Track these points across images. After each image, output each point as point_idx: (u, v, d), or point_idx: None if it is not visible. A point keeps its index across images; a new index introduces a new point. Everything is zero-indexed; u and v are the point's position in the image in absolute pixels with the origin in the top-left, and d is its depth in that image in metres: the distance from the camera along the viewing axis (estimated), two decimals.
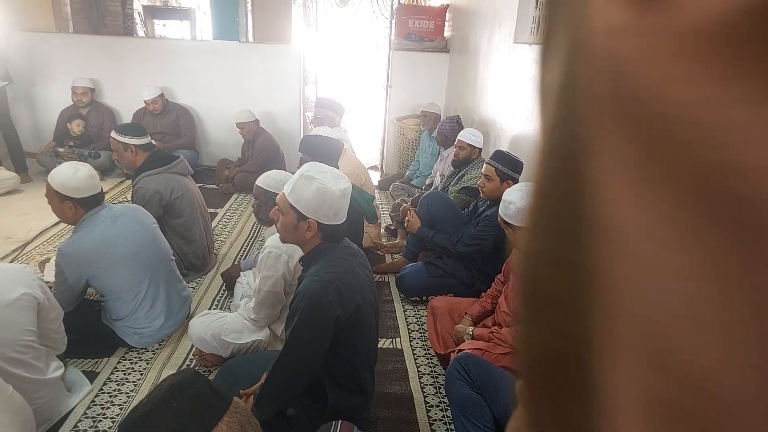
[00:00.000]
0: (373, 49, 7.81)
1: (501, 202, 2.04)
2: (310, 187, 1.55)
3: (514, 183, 2.57)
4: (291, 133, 5.50)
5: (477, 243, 2.65)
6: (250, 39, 5.58)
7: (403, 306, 2.87)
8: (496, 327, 2.06)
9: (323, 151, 3.02)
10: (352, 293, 1.57)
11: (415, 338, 2.62)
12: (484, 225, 2.63)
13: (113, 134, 2.89)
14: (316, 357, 1.55)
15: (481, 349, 1.92)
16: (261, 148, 4.88)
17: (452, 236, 2.72)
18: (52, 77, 5.28)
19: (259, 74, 5.31)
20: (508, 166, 2.57)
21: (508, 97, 3.39)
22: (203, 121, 5.52)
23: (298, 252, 1.99)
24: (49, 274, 2.82)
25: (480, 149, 3.52)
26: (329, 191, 1.55)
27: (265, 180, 2.47)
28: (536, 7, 2.97)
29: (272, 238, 2.13)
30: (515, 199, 1.95)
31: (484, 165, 2.63)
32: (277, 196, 1.66)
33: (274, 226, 2.24)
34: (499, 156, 2.60)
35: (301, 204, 1.56)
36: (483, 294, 2.39)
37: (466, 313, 2.33)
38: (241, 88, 5.35)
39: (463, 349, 1.95)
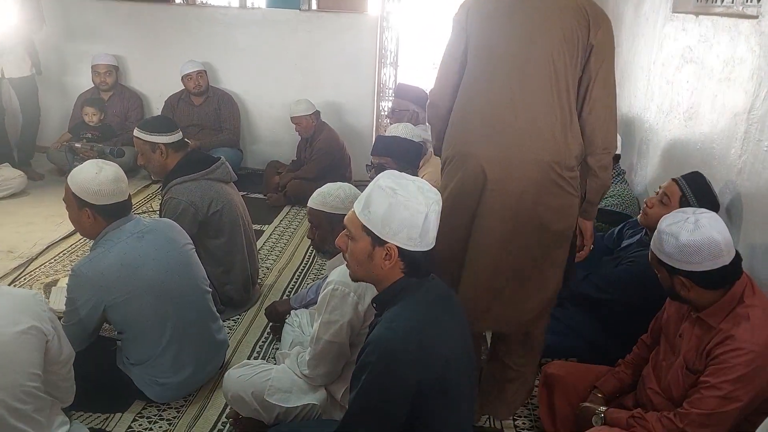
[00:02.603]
0: None
1: (656, 232, 1.95)
2: (388, 202, 1.57)
3: None
4: (360, 130, 5.63)
5: (613, 291, 2.56)
6: (314, 6, 5.80)
7: None
8: (638, 409, 1.98)
9: (401, 155, 3.08)
10: (440, 350, 1.55)
11: (520, 416, 2.55)
12: (631, 267, 2.53)
13: (137, 132, 3.07)
14: None
15: None
16: (322, 149, 5.03)
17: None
18: (77, 54, 5.75)
19: (324, 52, 5.50)
20: (698, 194, 2.47)
21: (662, 87, 3.28)
22: (250, 112, 5.79)
23: (371, 291, 2.01)
24: (56, 300, 3.04)
25: (618, 156, 3.42)
26: (413, 206, 1.57)
27: (324, 200, 2.51)
28: None
29: (338, 272, 2.14)
30: (678, 232, 1.85)
31: (669, 181, 2.53)
32: (345, 217, 1.69)
33: (339, 255, 2.29)
34: (695, 179, 2.51)
35: (378, 224, 1.59)
36: (620, 361, 2.30)
37: (595, 387, 2.25)
38: (300, 70, 5.57)
39: None
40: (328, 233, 2.51)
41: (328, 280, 2.17)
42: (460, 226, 2.18)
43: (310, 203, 2.57)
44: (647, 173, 3.47)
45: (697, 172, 2.55)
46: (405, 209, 1.57)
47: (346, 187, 2.56)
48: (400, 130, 3.63)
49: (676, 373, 1.96)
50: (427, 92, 5.23)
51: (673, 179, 2.52)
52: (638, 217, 2.67)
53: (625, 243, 2.75)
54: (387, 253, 1.60)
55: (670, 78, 3.18)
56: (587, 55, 2.07)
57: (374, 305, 1.74)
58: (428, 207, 1.59)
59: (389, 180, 1.62)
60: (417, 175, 3.01)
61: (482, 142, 2.11)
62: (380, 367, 1.52)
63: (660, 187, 2.55)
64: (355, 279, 1.74)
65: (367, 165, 3.14)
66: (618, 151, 3.40)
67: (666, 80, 3.24)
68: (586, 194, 2.21)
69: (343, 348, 2.15)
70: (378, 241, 1.60)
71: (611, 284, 2.60)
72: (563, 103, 2.08)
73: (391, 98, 5.60)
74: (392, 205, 1.57)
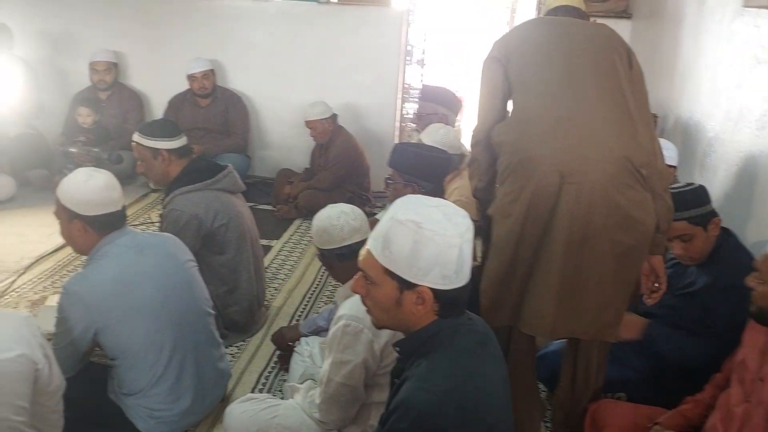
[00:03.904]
0: (509, 15, 7.82)
1: None
2: (413, 239, 1.47)
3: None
4: (381, 135, 5.62)
5: (684, 356, 2.51)
6: None
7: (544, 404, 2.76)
8: None
9: (423, 168, 2.93)
10: (483, 412, 1.47)
11: None
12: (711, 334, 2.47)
13: (137, 137, 3.08)
14: None
15: None
16: (338, 156, 5.04)
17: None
18: (69, 49, 5.82)
19: (343, 50, 5.51)
20: (698, 208, 2.49)
21: (730, 91, 3.22)
22: (260, 114, 5.82)
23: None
24: (44, 320, 3.03)
25: (674, 168, 3.36)
26: (444, 240, 1.47)
27: (329, 236, 2.41)
28: None
29: (349, 304, 2.11)
30: None
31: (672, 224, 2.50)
32: (360, 259, 1.58)
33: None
34: (684, 202, 2.48)
35: (403, 266, 1.48)
36: (689, 399, 2.26)
37: (656, 423, 2.19)
38: (317, 69, 5.58)
39: None
40: (342, 271, 2.48)
41: (338, 313, 2.14)
42: (533, 232, 2.19)
43: (315, 241, 2.50)
44: (711, 190, 3.40)
45: (682, 192, 2.51)
46: (434, 245, 1.47)
47: (346, 210, 2.47)
48: (439, 137, 3.53)
49: (757, 425, 1.88)
50: (456, 93, 5.24)
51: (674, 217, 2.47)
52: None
53: (689, 283, 2.68)
54: (419, 297, 1.51)
55: (740, 81, 3.12)
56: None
57: (397, 350, 1.65)
58: (461, 237, 1.50)
59: (409, 211, 1.51)
60: (443, 191, 2.96)
61: (550, 144, 2.18)
62: None
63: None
64: (379, 326, 1.65)
65: (386, 178, 3.04)
66: (673, 163, 3.34)
67: (735, 83, 3.18)
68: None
69: (357, 392, 2.12)
70: (406, 285, 1.51)
71: (683, 349, 2.53)
72: (629, 109, 2.26)
73: (416, 100, 5.58)
74: (418, 242, 1.47)
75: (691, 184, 2.61)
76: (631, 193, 2.18)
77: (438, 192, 2.91)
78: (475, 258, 2.42)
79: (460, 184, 3.42)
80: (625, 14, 5.35)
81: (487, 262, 2.31)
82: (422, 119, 4.57)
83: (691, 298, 2.56)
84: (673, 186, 2.56)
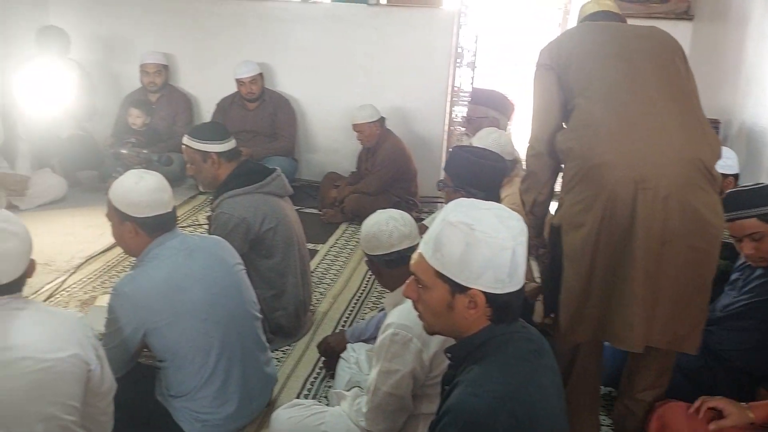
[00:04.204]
0: (561, 16, 7.72)
1: None
2: (465, 241, 1.47)
3: None
4: (429, 139, 5.62)
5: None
6: (383, 1, 5.86)
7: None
8: None
9: (473, 175, 2.89)
10: (536, 421, 1.45)
11: None
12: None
13: (186, 140, 3.15)
14: None
15: None
16: (385, 160, 5.06)
17: None
18: (121, 52, 5.98)
19: (392, 52, 5.54)
20: None
21: None
22: (307, 117, 5.88)
23: (438, 336, 1.95)
24: (94, 320, 3.12)
25: (735, 176, 3.28)
26: (496, 243, 1.46)
27: (378, 242, 2.43)
28: None
29: (398, 312, 2.11)
30: None
31: (740, 222, 2.44)
32: (411, 262, 1.59)
33: (400, 289, 2.24)
34: (754, 199, 2.43)
35: (455, 268, 1.48)
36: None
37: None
38: (365, 71, 5.63)
39: None
40: (390, 278, 2.47)
41: (387, 321, 2.13)
42: (610, 241, 2.20)
43: (363, 247, 2.51)
44: None
45: (750, 191, 2.48)
46: (486, 247, 1.47)
47: (395, 216, 2.48)
48: (490, 141, 3.49)
49: None
50: (507, 96, 5.22)
51: (741, 216, 2.42)
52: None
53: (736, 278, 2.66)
54: (471, 301, 1.51)
55: None
56: None
57: (448, 356, 1.65)
58: (514, 240, 1.49)
59: (460, 213, 1.51)
60: (499, 200, 2.92)
61: (622, 150, 2.18)
62: None
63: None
64: (431, 332, 1.65)
65: (439, 181, 3.03)
66: (734, 172, 3.27)
67: None
68: None
69: (405, 402, 2.11)
70: (458, 288, 1.51)
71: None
72: (695, 110, 2.29)
73: (465, 103, 5.57)
74: (470, 245, 1.47)
75: (761, 183, 2.57)
76: (703, 195, 2.18)
77: (491, 201, 2.87)
78: (532, 278, 2.41)
79: (512, 191, 3.37)
80: (686, 16, 5.25)
81: (563, 275, 2.29)
82: (472, 122, 4.58)
83: (761, 301, 2.53)
84: (742, 185, 2.54)
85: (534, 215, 2.51)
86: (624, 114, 2.23)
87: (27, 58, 5.35)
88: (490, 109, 4.50)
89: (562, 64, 2.38)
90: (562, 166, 2.40)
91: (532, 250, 2.49)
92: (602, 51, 2.37)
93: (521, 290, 1.55)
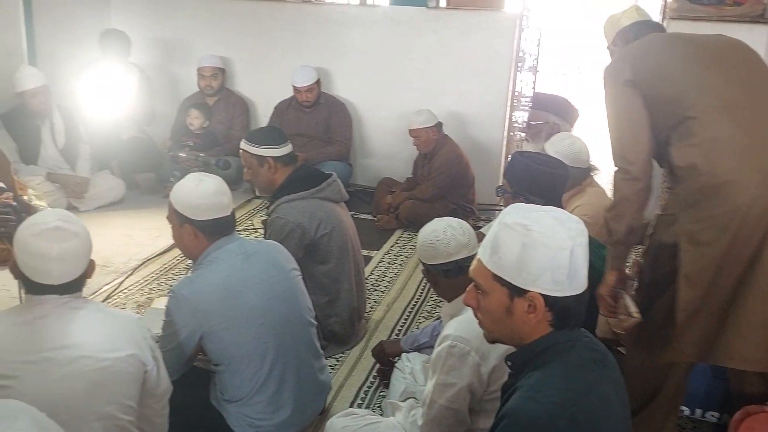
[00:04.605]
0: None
1: None
2: (522, 242, 1.48)
3: None
4: (488, 145, 5.61)
5: None
6: (443, 3, 5.88)
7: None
8: None
9: (531, 182, 2.75)
10: (597, 429, 1.44)
11: None
12: None
13: (244, 144, 3.22)
14: None
15: None
16: (442, 166, 5.07)
17: None
18: (180, 56, 6.16)
19: (451, 55, 5.54)
20: None
21: None
22: (363, 121, 5.93)
23: (496, 350, 1.96)
24: (150, 322, 3.21)
25: None
26: (554, 243, 1.47)
27: (435, 251, 2.43)
28: None
29: (456, 323, 2.11)
30: None
31: None
32: (471, 268, 1.61)
33: (458, 299, 2.25)
34: None
35: (512, 270, 1.49)
36: None
37: None
38: (422, 75, 5.64)
39: None
40: (447, 288, 2.47)
41: (444, 332, 2.14)
42: (738, 260, 2.18)
43: (420, 256, 2.51)
44: None
45: None
46: (544, 248, 1.48)
47: (453, 224, 2.48)
48: (563, 147, 3.34)
49: None
50: (570, 102, 5.15)
51: None
52: None
53: None
54: (530, 304, 1.51)
55: None
56: None
57: (508, 363, 1.65)
58: (573, 240, 1.49)
59: (517, 215, 1.53)
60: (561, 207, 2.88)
61: (752, 166, 2.16)
62: None
63: None
64: (491, 339, 1.65)
65: (498, 187, 3.02)
66: None
67: None
68: None
69: (462, 416, 2.11)
70: (516, 291, 1.52)
71: None
72: None
73: (526, 108, 5.54)
74: (527, 246, 1.49)
75: None
76: None
77: None
78: (629, 314, 2.38)
79: (584, 201, 3.29)
80: (762, 19, 5.09)
81: (678, 294, 2.25)
82: (531, 128, 4.54)
83: None
84: None
85: (625, 244, 2.40)
86: (746, 128, 2.20)
87: (90, 61, 5.56)
88: (550, 114, 4.46)
89: (648, 80, 2.33)
90: (662, 182, 2.38)
91: (624, 286, 2.46)
92: (699, 63, 2.34)
93: (583, 295, 1.55)
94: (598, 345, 1.62)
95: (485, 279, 1.56)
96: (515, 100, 5.68)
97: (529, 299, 1.51)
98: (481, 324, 1.64)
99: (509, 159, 3.12)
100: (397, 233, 5.09)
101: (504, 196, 2.90)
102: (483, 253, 1.57)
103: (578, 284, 1.52)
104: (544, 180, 2.71)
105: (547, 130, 4.39)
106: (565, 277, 1.50)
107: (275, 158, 3.17)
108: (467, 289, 1.63)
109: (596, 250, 2.53)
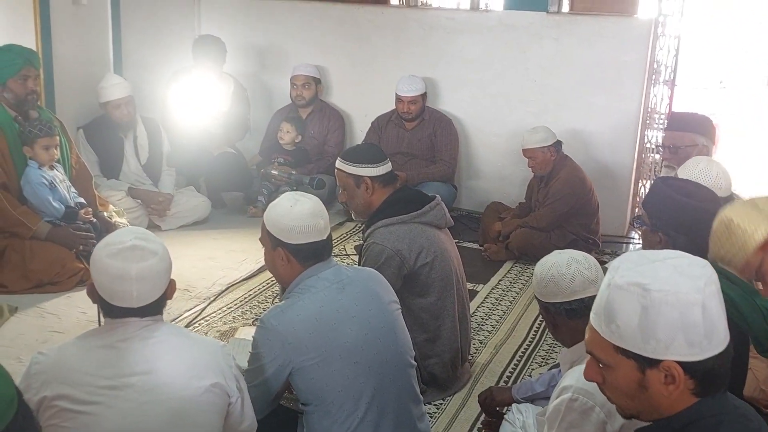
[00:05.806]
0: None
1: None
2: (640, 305, 1.41)
3: None
4: (615, 169, 5.48)
5: None
6: (565, 9, 5.81)
7: None
8: None
9: (671, 215, 2.62)
10: None
11: None
12: None
13: (339, 163, 3.25)
14: None
15: None
16: (560, 191, 4.97)
17: None
18: (274, 65, 6.31)
19: (574, 66, 5.47)
20: None
21: None
22: (470, 139, 5.91)
23: None
24: (234, 354, 3.26)
25: None
26: (679, 300, 1.39)
27: (557, 287, 2.37)
28: None
29: (577, 373, 2.03)
30: None
31: None
32: (586, 339, 1.55)
33: (580, 344, 2.18)
34: None
35: (636, 340, 1.42)
36: None
37: None
38: (540, 89, 5.59)
39: None
40: (568, 331, 2.41)
41: (563, 383, 2.07)
42: None
43: (538, 293, 2.45)
44: None
45: None
46: (668, 308, 1.40)
47: (578, 257, 2.40)
48: (696, 172, 3.19)
49: None
50: (711, 120, 4.95)
51: None
52: None
53: None
54: (667, 375, 1.43)
55: None
56: None
57: None
58: (701, 292, 1.41)
59: (627, 272, 1.46)
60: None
61: None
62: None
63: None
64: (626, 416, 1.58)
65: (636, 217, 2.89)
66: None
67: None
68: None
69: None
70: (647, 363, 1.44)
71: None
72: None
73: (661, 127, 5.37)
74: (648, 308, 1.41)
75: None
76: None
77: (697, 248, 2.66)
78: None
79: None
80: None
81: None
82: (679, 152, 4.33)
83: None
84: None
85: None
86: None
87: (180, 69, 5.77)
88: (698, 135, 4.22)
89: None
90: None
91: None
92: None
93: (726, 351, 1.46)
94: (750, 412, 1.53)
95: (606, 352, 1.49)
96: (648, 118, 5.53)
97: (664, 369, 1.43)
98: (611, 400, 1.57)
99: (649, 186, 2.99)
100: (507, 265, 5.01)
101: (641, 228, 2.79)
102: (597, 322, 1.50)
103: (719, 341, 1.44)
104: (690, 215, 2.57)
105: (696, 154, 4.16)
106: (702, 337, 1.42)
107: (373, 178, 3.18)
108: (586, 361, 1.56)
109: (746, 297, 2.38)
